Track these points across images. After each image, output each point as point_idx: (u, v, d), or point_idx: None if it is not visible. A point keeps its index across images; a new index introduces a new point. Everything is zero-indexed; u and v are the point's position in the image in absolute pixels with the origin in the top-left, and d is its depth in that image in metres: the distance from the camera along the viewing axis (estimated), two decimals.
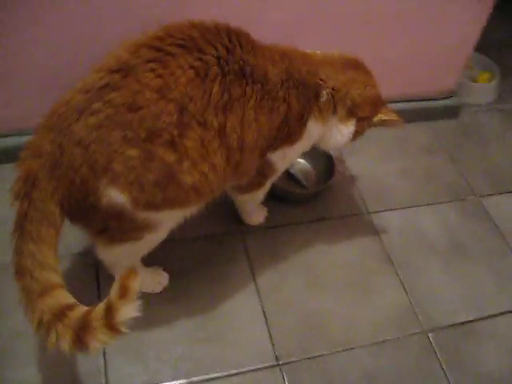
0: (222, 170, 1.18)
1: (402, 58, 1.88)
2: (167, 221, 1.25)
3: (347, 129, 1.37)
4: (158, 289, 1.44)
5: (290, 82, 1.24)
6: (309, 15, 1.64)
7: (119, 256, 1.28)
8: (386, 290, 1.56)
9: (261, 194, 1.51)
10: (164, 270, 1.47)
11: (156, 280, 1.45)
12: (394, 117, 1.41)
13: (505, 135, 2.12)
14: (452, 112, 2.10)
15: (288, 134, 1.30)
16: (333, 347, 1.41)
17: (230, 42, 1.15)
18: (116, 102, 1.04)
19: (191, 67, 1.09)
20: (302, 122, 1.30)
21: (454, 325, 1.51)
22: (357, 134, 1.40)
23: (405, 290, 1.56)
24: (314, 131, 1.35)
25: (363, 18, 1.71)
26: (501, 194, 1.89)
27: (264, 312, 1.45)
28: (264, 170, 1.39)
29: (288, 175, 1.76)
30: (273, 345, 1.39)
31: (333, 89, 1.32)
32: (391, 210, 1.77)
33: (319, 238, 1.65)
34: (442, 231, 1.73)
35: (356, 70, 1.36)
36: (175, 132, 1.08)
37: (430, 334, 1.48)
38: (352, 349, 1.42)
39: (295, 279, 1.54)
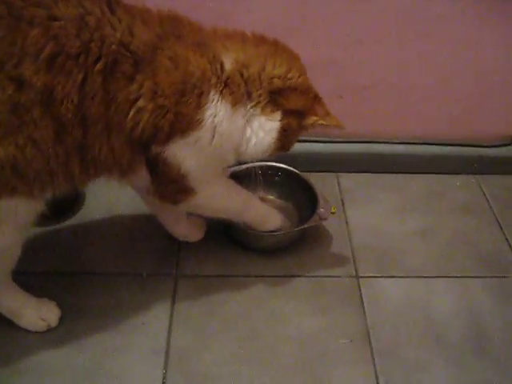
0: (49, 149, 0.90)
1: (446, 84, 1.48)
2: (5, 215, 0.96)
3: (270, 123, 1.04)
4: (41, 327, 1.12)
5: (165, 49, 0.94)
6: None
7: None
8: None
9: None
10: (59, 305, 1.15)
11: (39, 315, 1.12)
12: (334, 121, 1.06)
13: None
14: (508, 165, 1.59)
15: (176, 118, 0.97)
16: None
17: None
18: None
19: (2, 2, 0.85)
20: (196, 101, 0.97)
21: None
22: (285, 136, 1.05)
23: None
24: (223, 119, 1.00)
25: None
26: None
27: None
28: (168, 173, 1.04)
29: None
30: None
31: (237, 63, 0.99)
32: (391, 277, 1.29)
33: (277, 298, 1.22)
34: (460, 316, 1.21)
35: (274, 48, 1.03)
36: None
37: None
38: None
39: (225, 346, 1.12)
